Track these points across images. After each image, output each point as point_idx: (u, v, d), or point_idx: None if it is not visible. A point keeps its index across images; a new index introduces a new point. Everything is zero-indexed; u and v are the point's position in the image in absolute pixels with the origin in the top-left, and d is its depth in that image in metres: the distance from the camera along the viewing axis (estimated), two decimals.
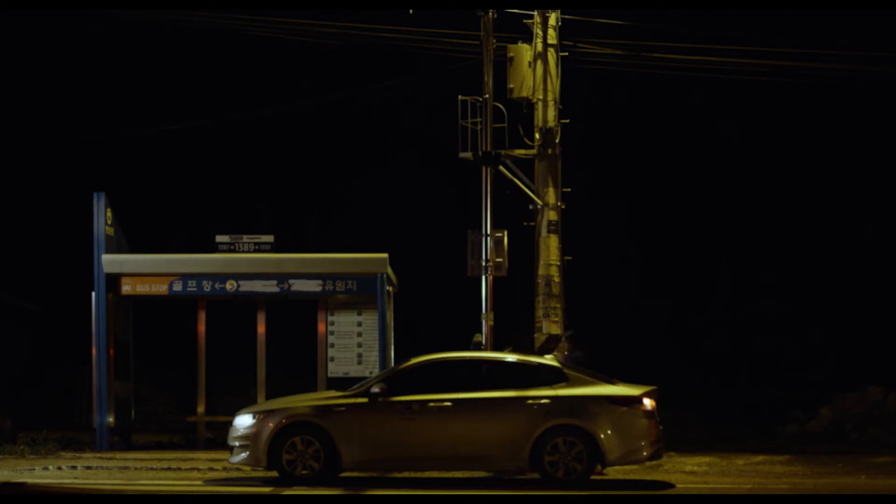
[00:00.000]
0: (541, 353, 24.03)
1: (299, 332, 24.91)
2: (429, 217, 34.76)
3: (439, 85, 27.55)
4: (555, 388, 18.89)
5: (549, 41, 24.28)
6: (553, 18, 24.34)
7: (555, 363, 19.52)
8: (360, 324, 24.66)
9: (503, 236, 23.57)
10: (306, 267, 24.07)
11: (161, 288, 24.20)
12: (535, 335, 24.34)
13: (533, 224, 24.50)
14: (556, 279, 24.30)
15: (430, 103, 30.94)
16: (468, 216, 24.02)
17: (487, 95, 23.66)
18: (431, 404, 18.81)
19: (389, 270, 24.22)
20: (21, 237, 35.48)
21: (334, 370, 24.67)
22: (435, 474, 19.79)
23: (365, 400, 18.84)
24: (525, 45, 24.28)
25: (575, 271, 24.87)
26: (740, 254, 37.29)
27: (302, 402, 19.34)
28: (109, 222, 24.09)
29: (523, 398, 18.80)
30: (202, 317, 24.95)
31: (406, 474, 19.77)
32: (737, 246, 37.25)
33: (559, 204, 24.43)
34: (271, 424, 18.77)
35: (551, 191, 24.39)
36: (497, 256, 23.46)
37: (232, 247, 24.25)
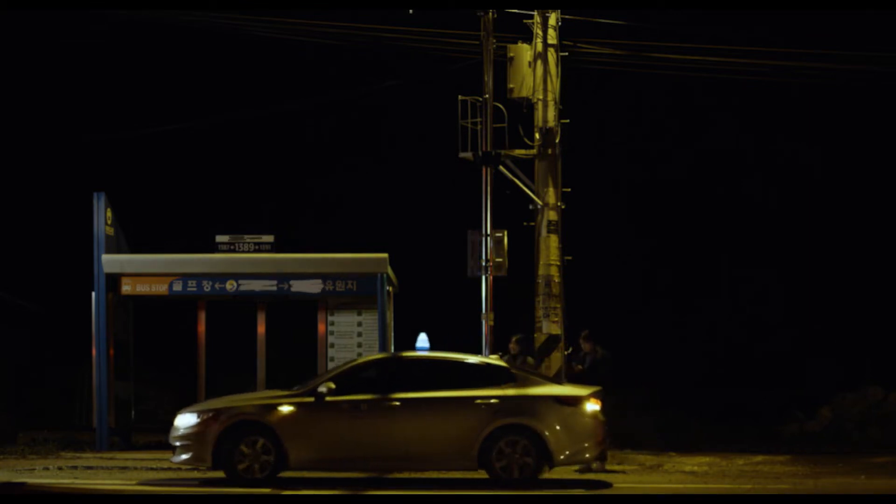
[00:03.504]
0: (541, 353, 24.07)
1: (299, 332, 24.92)
2: (429, 217, 34.74)
3: (439, 85, 27.55)
4: (503, 388, 18.92)
5: (549, 41, 24.28)
6: (553, 18, 24.33)
7: (502, 363, 19.51)
8: (360, 324, 24.67)
9: (503, 236, 23.56)
10: (306, 267, 24.09)
11: (161, 288, 24.22)
12: (535, 335, 24.33)
13: (533, 224, 24.49)
14: (556, 279, 24.29)
15: (430, 103, 30.92)
16: (468, 216, 24.01)
17: (487, 95, 23.66)
18: (380, 404, 18.78)
19: (389, 270, 24.22)
20: (21, 237, 35.45)
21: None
22: (392, 475, 19.68)
23: (311, 399, 18.78)
24: (525, 45, 24.27)
25: (575, 271, 24.86)
26: (741, 254, 37.27)
27: (247, 401, 19.22)
28: (109, 222, 24.09)
29: (472, 398, 18.81)
30: (202, 317, 24.97)
31: (357, 474, 19.58)
32: (737, 246, 37.22)
33: (559, 204, 24.43)
34: (217, 424, 18.68)
35: (551, 191, 24.39)
36: (497, 256, 23.46)
37: (232, 247, 24.26)
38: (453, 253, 25.20)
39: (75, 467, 21.26)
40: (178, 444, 18.96)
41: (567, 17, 24.54)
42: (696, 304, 36.68)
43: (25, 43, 36.89)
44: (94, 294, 23.98)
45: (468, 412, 18.74)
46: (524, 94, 24.22)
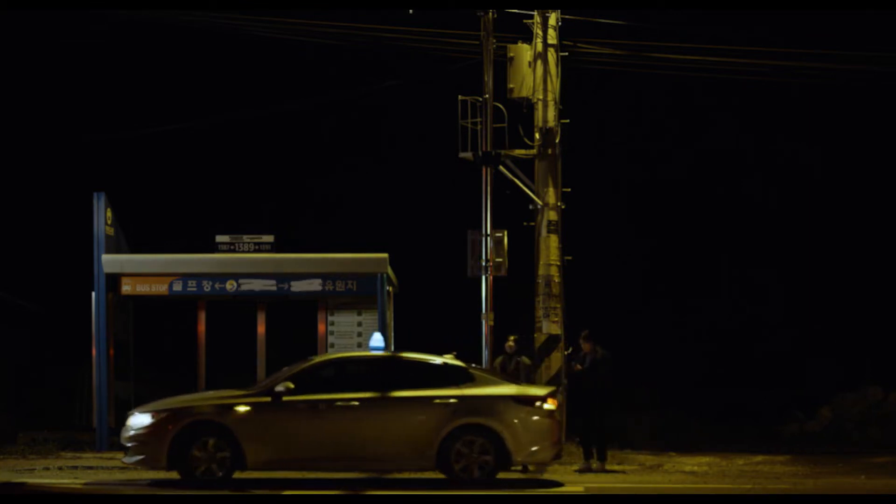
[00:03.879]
0: (541, 353, 24.08)
1: (299, 332, 24.91)
2: (429, 217, 34.73)
3: (439, 85, 27.55)
4: (461, 388, 18.88)
5: (549, 41, 24.28)
6: (553, 18, 24.34)
7: (460, 363, 19.41)
8: (360, 324, 24.66)
9: (503, 236, 23.56)
10: (306, 267, 24.08)
11: (161, 288, 24.22)
12: (535, 335, 24.34)
13: (533, 224, 24.50)
14: (556, 279, 24.29)
15: (430, 103, 30.92)
16: (468, 216, 24.01)
17: (487, 95, 23.66)
18: (338, 403, 18.69)
19: (389, 270, 24.23)
20: (21, 237, 35.45)
21: None
22: (346, 475, 19.52)
23: (268, 399, 18.67)
24: (525, 45, 24.28)
25: (575, 271, 24.87)
26: (741, 254, 37.26)
27: (203, 401, 19.07)
28: (109, 222, 24.09)
29: (430, 398, 18.76)
30: (202, 317, 24.96)
31: (316, 475, 19.46)
32: (737, 246, 37.21)
33: (559, 204, 24.43)
34: (172, 425, 18.51)
35: (551, 191, 24.39)
36: (497, 256, 23.46)
37: (232, 247, 24.26)
38: (453, 253, 25.20)
39: (75, 467, 21.26)
40: (130, 444, 18.67)
41: (567, 17, 24.55)
42: (696, 304, 36.67)
43: (25, 43, 36.89)
44: (94, 294, 23.98)
45: (426, 412, 18.66)
46: (524, 94, 24.23)
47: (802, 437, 28.38)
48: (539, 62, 24.21)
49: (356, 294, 24.17)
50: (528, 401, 18.88)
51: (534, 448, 18.73)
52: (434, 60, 26.14)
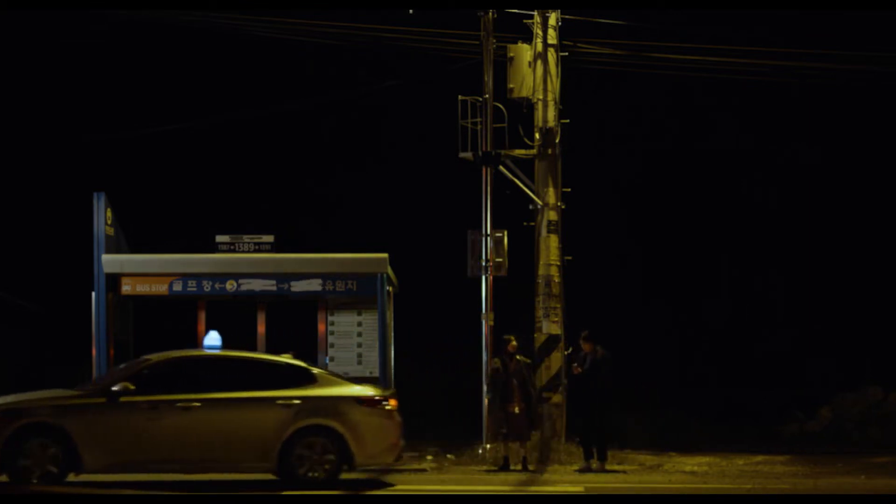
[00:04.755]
0: (541, 354, 24.07)
1: (299, 332, 24.89)
2: (429, 217, 34.73)
3: (439, 85, 27.55)
4: (304, 389, 18.75)
5: (549, 41, 24.28)
6: (553, 18, 24.34)
7: (302, 364, 19.22)
8: (360, 324, 24.65)
9: (503, 236, 23.56)
10: (306, 267, 24.06)
11: (161, 288, 24.19)
12: (535, 335, 24.33)
13: (533, 224, 24.49)
14: (556, 279, 24.29)
15: (430, 103, 30.93)
16: (468, 216, 24.01)
17: (487, 95, 23.66)
18: (179, 404, 18.43)
19: (389, 270, 24.21)
20: (21, 237, 35.46)
21: (334, 370, 24.64)
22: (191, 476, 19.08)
23: (104, 399, 18.33)
24: (525, 45, 24.27)
25: (575, 271, 24.86)
26: (741, 254, 37.27)
27: (36, 402, 18.63)
28: (109, 222, 24.08)
29: (273, 398, 18.59)
30: (202, 317, 24.93)
31: (159, 477, 19.00)
32: (737, 246, 37.22)
33: (559, 204, 24.43)
34: (3, 427, 18.08)
35: (551, 191, 24.39)
36: (497, 256, 23.46)
37: (232, 247, 24.24)
38: (453, 253, 25.20)
39: None
40: None
41: (567, 17, 24.54)
42: (696, 303, 36.68)
43: (25, 43, 36.90)
44: (94, 294, 23.96)
45: (270, 413, 18.44)
46: (524, 94, 24.22)
47: (802, 437, 28.37)
48: (539, 62, 24.21)
49: (356, 294, 24.14)
50: (371, 402, 18.78)
51: (377, 448, 18.63)
52: (434, 60, 26.14)
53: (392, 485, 19.34)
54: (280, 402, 18.58)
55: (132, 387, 18.41)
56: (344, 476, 18.94)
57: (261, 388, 18.69)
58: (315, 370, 19.22)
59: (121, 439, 18.27)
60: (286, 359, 19.39)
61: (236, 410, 18.49)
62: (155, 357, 19.06)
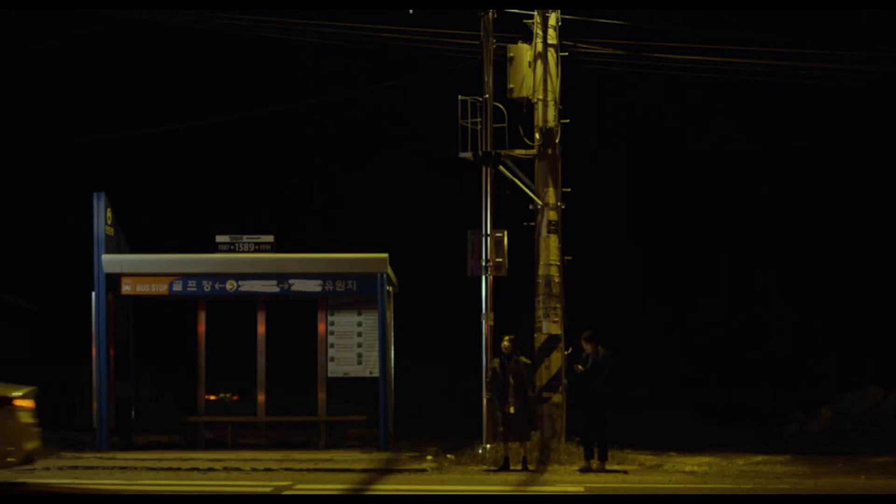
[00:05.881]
0: (541, 354, 24.06)
1: (299, 332, 24.91)
2: (429, 217, 34.75)
3: (439, 85, 27.56)
4: None
5: (549, 41, 24.28)
6: (553, 18, 24.34)
7: None
8: (360, 324, 24.67)
9: (503, 236, 23.55)
10: (306, 267, 24.07)
11: (161, 288, 24.20)
12: (535, 335, 24.33)
13: (533, 224, 24.49)
14: (556, 279, 24.29)
15: (430, 103, 30.94)
16: (468, 216, 24.01)
17: (487, 95, 23.66)
18: None
19: (389, 270, 24.22)
20: (21, 237, 35.47)
21: (334, 370, 24.68)
22: None
23: None
24: (525, 45, 24.28)
25: (575, 271, 24.86)
26: (741, 254, 37.29)
27: None
28: (109, 222, 24.08)
29: None
30: (202, 317, 24.96)
31: None
32: (737, 246, 37.25)
33: (559, 204, 24.43)
34: None
35: (551, 191, 24.39)
36: (497, 256, 23.45)
37: (232, 247, 24.25)
38: (453, 253, 25.20)
39: (75, 467, 21.24)
40: None
41: (567, 17, 24.54)
42: (696, 304, 36.71)
43: (25, 43, 36.90)
44: (94, 294, 23.97)
45: None
46: (524, 94, 24.22)
47: (802, 437, 28.38)
48: (539, 62, 24.21)
49: (356, 294, 24.16)
50: (2, 401, 17.49)
51: (9, 448, 17.35)
52: (434, 60, 26.15)
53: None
54: None
55: None
56: None
57: None
58: None
59: None
60: None
61: None
62: None
